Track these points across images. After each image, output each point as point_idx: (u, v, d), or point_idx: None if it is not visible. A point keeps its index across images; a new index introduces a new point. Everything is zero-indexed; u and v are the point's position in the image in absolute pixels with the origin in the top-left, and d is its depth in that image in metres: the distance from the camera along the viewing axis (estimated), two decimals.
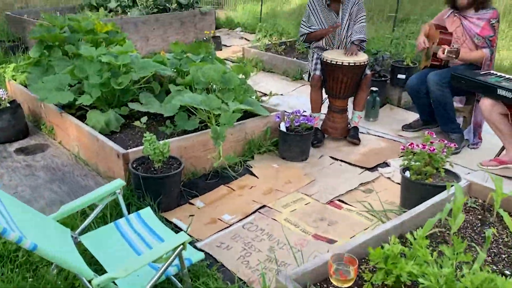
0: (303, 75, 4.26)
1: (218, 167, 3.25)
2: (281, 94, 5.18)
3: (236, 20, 9.51)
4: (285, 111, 3.65)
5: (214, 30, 7.84)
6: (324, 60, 3.67)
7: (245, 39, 8.27)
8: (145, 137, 2.72)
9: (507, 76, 3.29)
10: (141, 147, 2.94)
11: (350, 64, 3.58)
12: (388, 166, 3.45)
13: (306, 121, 3.46)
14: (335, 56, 3.65)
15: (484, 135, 3.85)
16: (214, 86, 3.62)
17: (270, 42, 6.50)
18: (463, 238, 2.13)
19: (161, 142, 2.88)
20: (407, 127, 4.17)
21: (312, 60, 3.98)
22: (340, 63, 3.59)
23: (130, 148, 3.01)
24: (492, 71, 3.43)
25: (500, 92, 3.05)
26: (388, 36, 6.59)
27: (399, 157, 3.59)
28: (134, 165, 2.81)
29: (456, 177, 2.65)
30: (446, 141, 2.62)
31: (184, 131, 3.34)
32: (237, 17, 9.72)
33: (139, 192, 2.73)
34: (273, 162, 3.47)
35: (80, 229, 2.22)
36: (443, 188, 2.52)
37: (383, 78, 4.71)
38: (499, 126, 3.24)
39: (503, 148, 3.44)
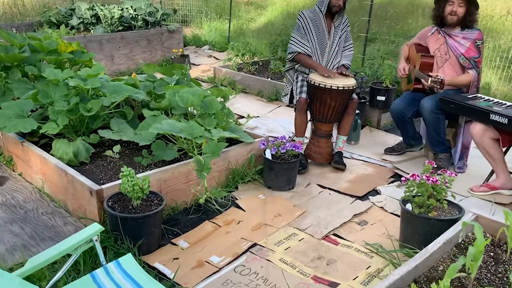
0: (282, 98, 4.08)
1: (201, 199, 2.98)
2: (257, 116, 4.98)
3: (203, 38, 9.30)
4: (270, 136, 3.45)
5: (183, 48, 7.59)
6: (312, 83, 3.51)
7: (214, 57, 8.07)
8: (123, 172, 2.43)
9: (495, 99, 3.23)
10: (116, 182, 2.64)
11: (339, 88, 3.44)
12: (379, 194, 3.30)
13: (293, 148, 3.26)
14: (323, 79, 3.50)
15: (469, 159, 3.78)
16: (194, 111, 3.37)
17: (242, 62, 6.32)
18: (479, 280, 1.97)
19: (139, 175, 2.61)
20: (390, 150, 4.06)
21: (296, 82, 3.81)
22: (329, 87, 3.43)
23: (103, 182, 2.71)
24: (479, 95, 3.38)
25: (493, 117, 2.97)
26: (360, 56, 6.57)
27: (388, 183, 3.49)
28: (110, 203, 2.50)
29: (459, 209, 2.51)
30: (447, 171, 2.49)
31: (162, 161, 3.06)
32: (204, 35, 9.52)
33: (117, 234, 2.42)
34: (259, 192, 3.24)
35: (50, 284, 1.91)
36: (448, 222, 2.38)
37: (362, 100, 4.61)
38: (490, 151, 3.16)
39: (492, 173, 3.37)
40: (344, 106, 3.62)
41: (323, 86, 3.46)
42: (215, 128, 3.11)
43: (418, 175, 2.48)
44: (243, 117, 4.92)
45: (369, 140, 4.37)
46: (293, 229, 2.79)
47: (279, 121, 4.83)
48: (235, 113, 4.97)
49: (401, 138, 4.22)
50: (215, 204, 3.00)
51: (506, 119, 2.88)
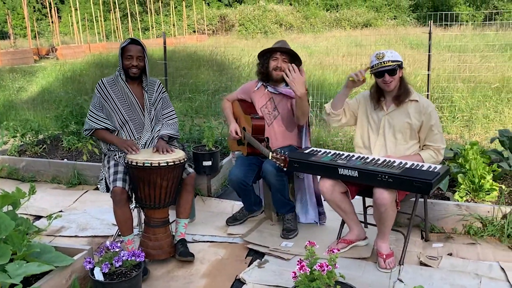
0: (98, 185, 3.24)
1: None
2: (61, 211, 3.92)
3: None
4: (100, 237, 2.57)
5: None
6: (133, 163, 2.81)
7: None
8: None
9: (332, 151, 3.12)
10: None
11: (169, 163, 2.83)
12: (244, 283, 2.76)
13: (132, 257, 2.47)
14: (146, 156, 2.85)
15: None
16: None
17: (23, 143, 5.08)
18: None
19: None
20: (232, 220, 3.62)
21: (108, 168, 3.03)
22: (157, 164, 2.80)
23: None
24: (314, 148, 3.22)
25: (342, 171, 2.80)
26: None
27: (248, 265, 2.95)
28: None
29: None
30: (332, 248, 2.14)
31: None
32: None
33: None
34: None
35: None
36: None
37: None
38: (341, 205, 3.01)
39: (342, 225, 3.24)
40: (178, 184, 3.02)
41: (149, 165, 2.81)
42: (11, 260, 2.10)
43: (304, 264, 2.04)
44: (41, 217, 3.80)
45: (206, 213, 3.84)
46: None
47: (92, 211, 3.89)
48: (30, 214, 3.82)
49: (237, 202, 3.89)
50: None
51: (356, 172, 2.75)
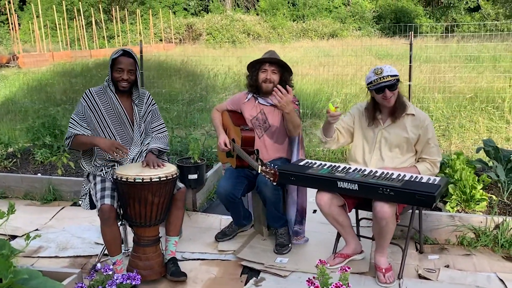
0: (80, 202, 3.05)
1: None
2: (37, 230, 3.67)
3: None
4: (85, 255, 2.39)
5: None
6: (123, 179, 2.65)
7: None
8: None
9: (328, 163, 3.06)
10: None
11: (162, 178, 2.69)
12: None
13: (127, 280, 2.31)
14: (137, 171, 2.70)
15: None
16: None
17: None
18: None
19: None
20: (221, 235, 3.49)
21: (95, 184, 2.85)
22: (149, 180, 2.65)
23: None
24: (309, 160, 3.16)
25: (341, 184, 2.74)
26: None
27: (244, 283, 2.83)
28: None
29: None
30: (345, 268, 2.06)
31: None
32: None
33: None
34: None
35: None
36: None
37: None
38: (338, 219, 2.94)
39: (338, 239, 3.17)
40: (170, 200, 2.88)
41: (140, 180, 2.66)
42: None
43: (318, 284, 1.95)
44: (15, 237, 3.55)
45: (192, 229, 3.69)
46: None
47: (71, 229, 3.66)
48: (4, 234, 3.55)
49: (225, 217, 3.79)
50: None
51: (356, 185, 2.69)
